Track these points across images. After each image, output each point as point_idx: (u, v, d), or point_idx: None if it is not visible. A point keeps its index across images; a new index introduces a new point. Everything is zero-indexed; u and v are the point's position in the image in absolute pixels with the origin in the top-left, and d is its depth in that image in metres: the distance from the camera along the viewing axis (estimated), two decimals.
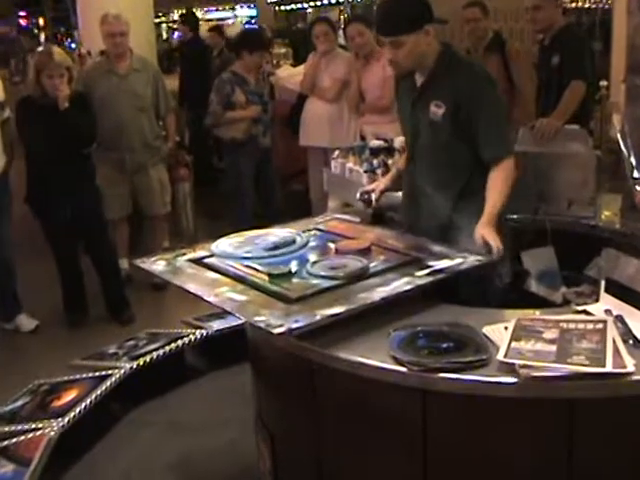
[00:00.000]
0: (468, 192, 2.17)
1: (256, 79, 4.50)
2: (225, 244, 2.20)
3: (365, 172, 2.87)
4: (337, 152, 3.28)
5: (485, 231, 2.01)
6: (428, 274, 1.90)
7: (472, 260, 1.97)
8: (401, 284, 1.85)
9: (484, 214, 2.05)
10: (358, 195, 2.43)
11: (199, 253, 2.15)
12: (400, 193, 2.41)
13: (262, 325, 1.66)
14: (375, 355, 1.64)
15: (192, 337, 3.20)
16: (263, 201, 4.63)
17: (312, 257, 2.08)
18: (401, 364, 1.59)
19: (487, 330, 1.70)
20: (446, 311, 1.85)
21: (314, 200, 4.81)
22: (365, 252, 2.09)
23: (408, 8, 2.10)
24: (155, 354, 3.07)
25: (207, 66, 6.39)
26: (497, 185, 2.10)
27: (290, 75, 5.61)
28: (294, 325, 1.64)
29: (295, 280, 1.92)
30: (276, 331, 1.63)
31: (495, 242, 1.98)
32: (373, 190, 2.43)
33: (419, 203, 2.26)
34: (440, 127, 2.14)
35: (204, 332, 3.24)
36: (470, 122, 2.10)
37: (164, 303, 4.09)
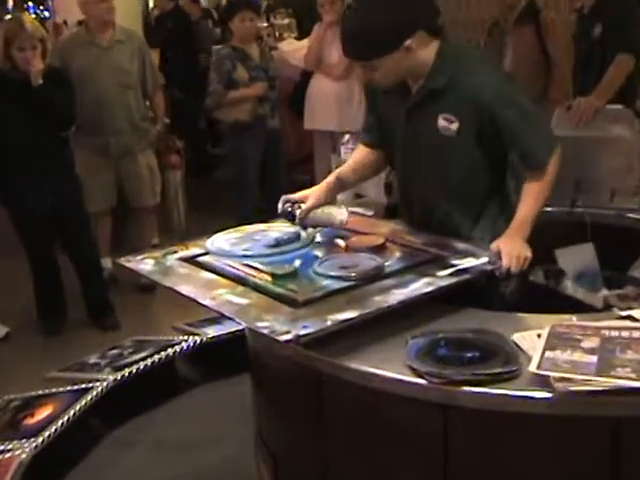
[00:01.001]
0: (493, 209, 2.16)
1: (261, 52, 4.50)
2: (222, 241, 2.20)
3: None
4: (347, 136, 3.28)
5: (505, 244, 1.97)
6: (451, 274, 1.91)
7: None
8: (420, 285, 1.86)
9: (512, 224, 2.04)
10: (280, 205, 2.24)
11: (192, 251, 2.16)
12: (332, 208, 2.25)
13: (266, 332, 1.67)
14: (390, 365, 1.65)
15: (184, 345, 3.22)
16: (268, 192, 4.65)
17: (319, 255, 2.09)
18: (419, 376, 1.60)
19: (517, 338, 1.70)
20: (470, 316, 1.85)
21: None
22: (379, 249, 2.09)
23: (382, 25, 1.94)
24: (142, 364, 3.09)
25: (191, 40, 6.41)
26: (533, 191, 2.04)
27: (294, 49, 5.62)
28: (302, 331, 1.65)
29: (301, 281, 1.93)
30: (283, 338, 1.64)
31: (509, 260, 1.93)
32: (299, 203, 2.23)
33: (428, 218, 2.22)
34: (455, 144, 2.07)
35: (198, 339, 3.26)
36: (498, 132, 2.03)
37: (152, 307, 4.12)
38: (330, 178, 2.29)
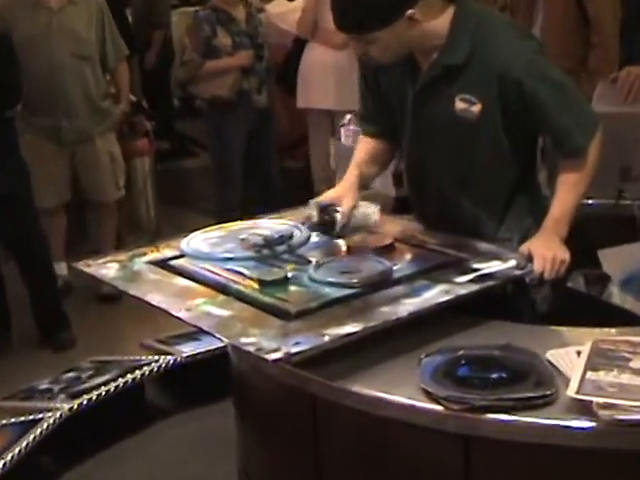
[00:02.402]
0: (521, 204, 2.17)
1: (247, 15, 4.51)
2: (199, 241, 2.21)
3: None
4: (348, 116, 3.31)
5: (537, 244, 1.99)
6: (472, 280, 1.92)
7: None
8: (435, 294, 1.87)
9: (545, 221, 2.05)
10: (314, 211, 2.20)
11: (164, 253, 2.17)
12: (364, 207, 2.26)
13: (251, 349, 1.68)
14: (401, 389, 1.65)
15: (154, 366, 3.22)
16: (255, 182, 4.66)
17: (316, 258, 2.09)
18: (436, 401, 1.61)
19: (552, 355, 1.71)
20: (496, 330, 1.86)
21: (317, 181, 4.84)
22: (387, 251, 2.10)
23: None
24: (104, 390, 3.09)
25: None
26: (570, 181, 2.04)
27: (285, 12, 5.62)
28: (294, 349, 1.66)
29: (294, 288, 1.94)
30: (271, 357, 1.65)
31: (542, 263, 1.93)
32: (335, 206, 2.20)
33: (444, 217, 2.23)
34: (476, 130, 2.08)
35: (171, 359, 3.26)
36: (528, 114, 2.04)
37: (116, 321, 4.13)
38: (353, 172, 2.29)
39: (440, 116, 2.11)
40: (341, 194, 2.22)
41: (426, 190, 2.24)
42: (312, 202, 2.23)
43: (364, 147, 2.34)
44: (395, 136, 2.27)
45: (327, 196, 2.24)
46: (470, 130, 2.08)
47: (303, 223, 2.24)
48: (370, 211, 2.25)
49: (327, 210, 2.20)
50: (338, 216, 2.19)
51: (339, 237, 2.18)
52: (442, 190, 2.19)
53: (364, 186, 2.35)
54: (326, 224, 2.19)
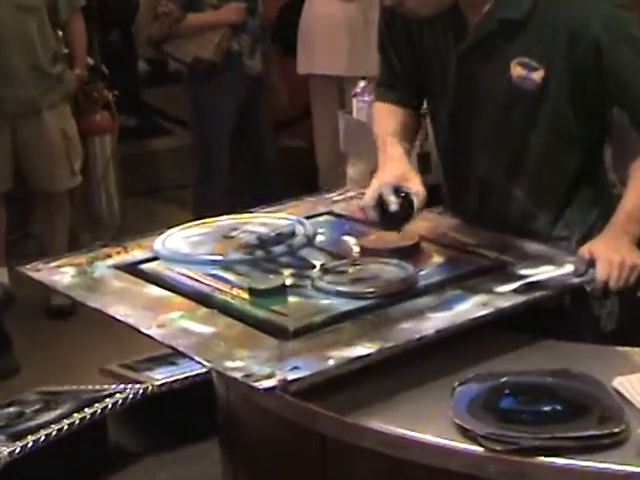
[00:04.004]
0: (585, 197, 2.19)
1: None
2: (177, 239, 2.23)
3: None
4: (361, 84, 3.31)
5: (602, 246, 2.00)
6: (518, 290, 1.93)
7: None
8: (471, 307, 1.87)
9: (613, 218, 2.06)
10: (391, 197, 2.07)
11: (133, 254, 2.18)
12: None
13: (238, 375, 1.68)
14: (429, 425, 1.66)
15: (119, 398, 3.23)
16: (247, 166, 4.67)
17: (322, 261, 2.11)
18: (473, 440, 1.61)
19: (621, 384, 1.72)
20: (549, 350, 1.87)
21: (323, 164, 4.86)
22: (411, 252, 2.11)
23: None
24: (54, 429, 3.09)
25: None
26: None
27: None
28: (292, 375, 1.66)
29: (294, 300, 1.95)
30: (262, 385, 1.65)
31: (607, 270, 1.94)
32: (401, 189, 2.10)
33: (486, 210, 2.25)
34: (537, 102, 2.09)
35: (139, 389, 3.27)
36: (603, 84, 2.04)
37: (70, 340, 4.14)
38: (398, 144, 2.23)
39: (490, 85, 2.12)
40: (401, 173, 2.13)
41: (465, 176, 2.26)
42: (376, 186, 2.11)
43: (392, 115, 2.32)
44: (420, 108, 2.28)
45: (390, 177, 2.12)
46: (528, 103, 2.09)
47: (361, 220, 2.22)
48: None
49: (401, 194, 2.09)
50: (415, 199, 2.09)
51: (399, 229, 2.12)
52: (486, 177, 2.21)
53: None
54: (399, 211, 2.07)
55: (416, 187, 2.11)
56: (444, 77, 2.19)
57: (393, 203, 2.08)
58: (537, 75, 2.06)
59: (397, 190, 2.09)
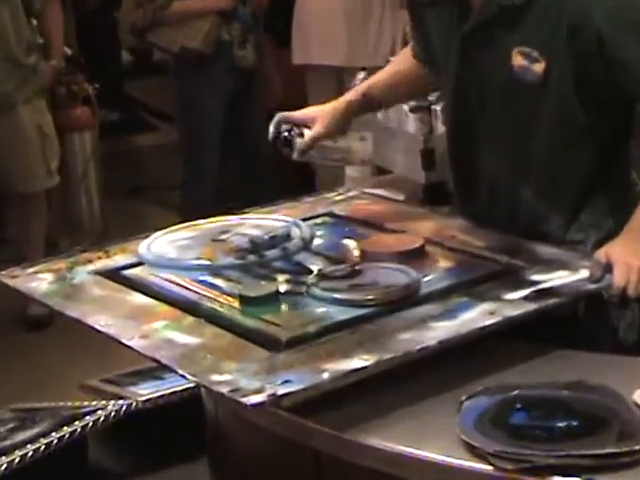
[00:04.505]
0: (600, 197, 2.19)
1: None
2: (164, 243, 2.24)
3: (412, 111, 2.90)
4: (361, 75, 3.31)
5: (619, 250, 2.00)
6: (529, 297, 1.94)
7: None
8: (478, 315, 1.88)
9: (632, 220, 2.07)
10: (271, 127, 2.35)
11: (115, 259, 2.19)
12: (351, 137, 2.36)
13: (224, 390, 1.68)
14: (434, 442, 1.66)
15: (100, 415, 3.22)
16: (239, 164, 4.67)
17: (319, 266, 2.12)
18: (482, 457, 1.61)
19: None
20: (563, 361, 1.87)
21: (319, 166, 4.84)
22: (415, 256, 2.12)
23: None
24: (31, 450, 3.09)
25: None
26: None
27: None
28: (282, 389, 1.66)
29: (287, 308, 1.96)
30: (251, 400, 1.65)
31: (625, 275, 1.93)
32: (300, 127, 2.34)
33: (495, 211, 2.27)
34: (539, 95, 2.11)
35: (123, 405, 3.26)
36: (609, 77, 2.05)
37: (48, 353, 4.14)
38: (350, 94, 2.37)
39: (493, 73, 2.15)
40: (315, 114, 2.32)
41: (473, 174, 2.27)
42: (278, 114, 2.35)
43: (395, 62, 2.45)
44: (435, 73, 2.34)
45: (302, 112, 2.35)
46: (531, 95, 2.11)
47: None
48: (355, 144, 2.29)
49: (290, 129, 2.27)
50: (298, 141, 2.25)
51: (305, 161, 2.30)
52: (494, 175, 2.22)
53: (367, 111, 2.41)
54: (281, 143, 2.29)
55: (311, 131, 2.29)
56: (447, 65, 2.22)
57: (270, 133, 2.33)
58: (538, 67, 2.08)
59: (296, 126, 2.31)
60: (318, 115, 2.32)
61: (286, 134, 2.26)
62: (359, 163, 2.23)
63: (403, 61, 2.46)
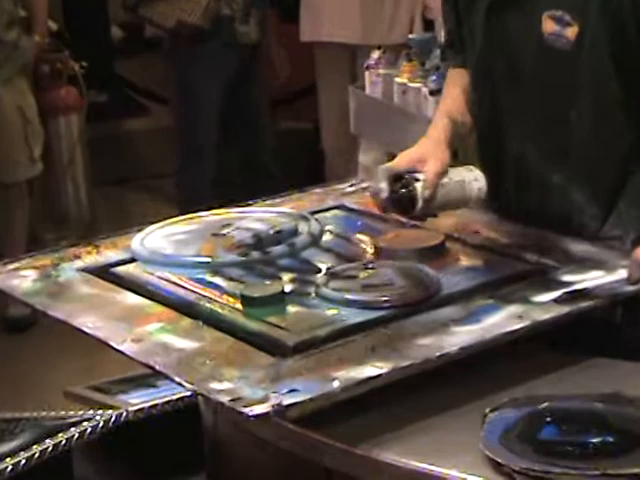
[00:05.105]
0: (638, 183, 2.19)
1: None
2: (159, 238, 2.24)
3: (432, 94, 2.91)
4: (375, 54, 3.33)
5: None
6: (560, 300, 1.93)
7: None
8: (504, 319, 1.88)
9: None
10: (382, 182, 2.10)
11: (106, 255, 2.19)
12: (461, 172, 2.20)
13: (225, 399, 1.68)
14: (456, 458, 1.66)
15: (87, 426, 3.23)
16: (241, 151, 4.67)
17: (328, 264, 2.12)
18: (507, 476, 1.61)
19: None
20: (598, 370, 1.87)
21: (330, 150, 4.86)
22: (434, 254, 2.13)
23: None
24: (10, 463, 3.09)
25: None
26: None
27: None
28: (288, 399, 1.66)
29: (294, 309, 1.96)
30: (252, 411, 1.64)
31: None
32: (414, 174, 2.12)
33: (524, 202, 2.27)
34: (572, 64, 2.11)
35: (112, 415, 3.27)
36: None
37: (29, 358, 4.14)
38: (440, 122, 2.28)
39: (521, 41, 2.16)
40: (423, 154, 2.17)
41: (500, 157, 2.28)
42: (380, 169, 2.16)
43: (457, 84, 2.37)
44: None
45: (402, 159, 2.18)
46: (564, 65, 2.12)
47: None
48: (468, 179, 2.16)
49: (403, 180, 2.11)
50: (419, 187, 2.09)
51: (423, 218, 2.15)
52: (522, 158, 2.23)
53: (461, 138, 2.33)
54: (402, 200, 2.10)
55: (428, 174, 2.10)
56: (473, 34, 2.23)
57: (383, 191, 2.10)
58: (571, 32, 2.08)
59: (406, 175, 2.10)
60: (425, 155, 2.16)
61: (403, 191, 2.08)
62: (475, 200, 2.15)
63: (463, 80, 2.36)
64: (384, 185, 2.10)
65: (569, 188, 2.18)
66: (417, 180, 2.09)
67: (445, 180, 2.12)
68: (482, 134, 2.34)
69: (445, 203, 2.14)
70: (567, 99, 2.15)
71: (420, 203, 2.09)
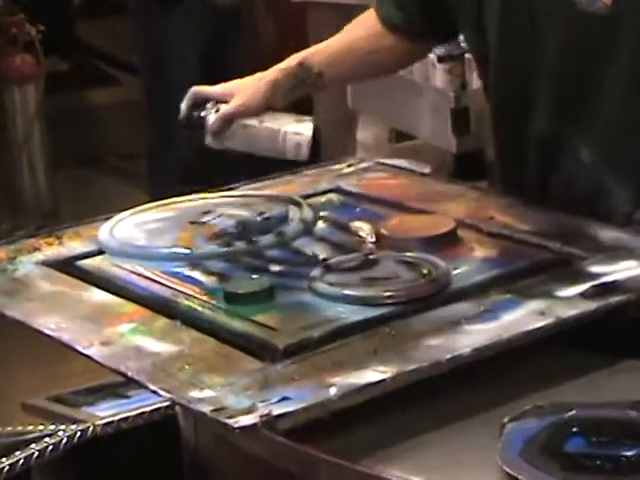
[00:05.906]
0: None
1: None
2: (129, 227, 2.25)
3: (440, 61, 2.91)
4: None
5: None
6: (587, 294, 1.94)
7: None
8: (524, 316, 1.88)
9: None
10: (184, 103, 2.38)
11: (70, 247, 2.21)
12: (284, 118, 2.37)
13: (206, 409, 1.68)
14: (468, 473, 1.67)
15: (49, 443, 3.24)
16: None
17: (324, 255, 2.13)
18: None
19: None
20: (630, 374, 1.89)
21: (324, 127, 4.86)
22: (444, 243, 2.14)
23: None
24: None
25: None
26: None
27: None
28: (279, 409, 1.66)
29: (285, 307, 1.97)
30: (238, 422, 1.64)
31: None
32: (217, 105, 2.35)
33: (547, 183, 2.29)
34: (607, 31, 2.13)
35: (76, 430, 3.28)
36: None
37: None
38: (291, 61, 2.43)
39: (549, 8, 2.17)
40: (236, 89, 2.36)
41: (522, 135, 2.29)
42: (192, 89, 2.38)
43: (350, 30, 2.49)
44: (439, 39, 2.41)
45: (218, 87, 2.39)
46: (598, 31, 2.13)
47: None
48: (288, 126, 2.31)
49: (205, 106, 2.30)
50: (212, 115, 2.27)
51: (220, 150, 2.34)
52: (548, 134, 2.24)
53: (311, 91, 2.47)
54: (190, 124, 2.32)
55: (227, 107, 2.31)
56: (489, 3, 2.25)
57: (182, 112, 2.36)
58: None
59: (210, 102, 2.34)
60: (238, 87, 2.34)
61: (198, 113, 2.28)
62: (292, 154, 2.21)
63: (360, 30, 2.48)
64: (184, 105, 2.36)
65: (599, 166, 2.19)
66: (218, 112, 2.30)
67: (251, 122, 2.30)
68: (499, 111, 2.35)
69: (250, 145, 2.31)
70: (601, 68, 2.17)
71: (208, 136, 2.31)
